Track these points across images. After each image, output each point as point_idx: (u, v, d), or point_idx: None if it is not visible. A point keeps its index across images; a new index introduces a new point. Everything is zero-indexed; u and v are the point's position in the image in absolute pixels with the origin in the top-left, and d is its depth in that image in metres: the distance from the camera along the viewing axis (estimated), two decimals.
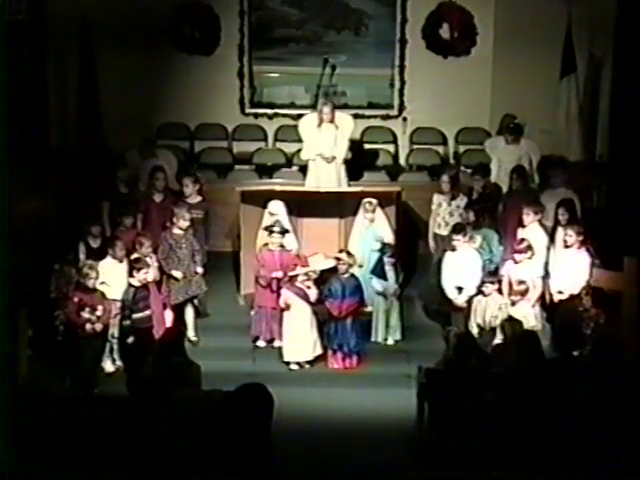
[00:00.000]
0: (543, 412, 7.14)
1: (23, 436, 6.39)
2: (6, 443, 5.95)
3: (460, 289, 9.88)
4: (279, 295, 9.98)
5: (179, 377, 7.50)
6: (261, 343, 10.20)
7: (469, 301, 9.78)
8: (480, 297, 9.64)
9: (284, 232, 10.23)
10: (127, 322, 9.51)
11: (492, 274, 9.76)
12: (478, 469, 6.74)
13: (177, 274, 10.03)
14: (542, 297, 9.90)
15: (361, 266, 10.27)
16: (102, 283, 9.42)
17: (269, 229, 10.20)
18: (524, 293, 9.53)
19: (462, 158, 13.29)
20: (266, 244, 10.26)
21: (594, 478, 6.67)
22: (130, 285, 9.55)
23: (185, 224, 10.13)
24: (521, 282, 9.55)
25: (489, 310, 9.50)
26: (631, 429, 6.95)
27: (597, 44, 12.30)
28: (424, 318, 10.67)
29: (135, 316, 9.51)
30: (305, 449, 8.11)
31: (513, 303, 9.50)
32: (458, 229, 10.06)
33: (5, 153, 5.87)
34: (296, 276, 9.84)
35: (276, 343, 10.11)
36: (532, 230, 10.15)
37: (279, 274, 10.06)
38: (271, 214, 10.45)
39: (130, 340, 9.41)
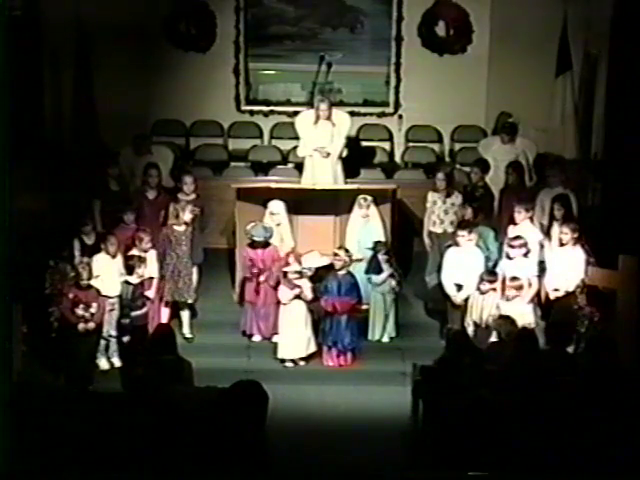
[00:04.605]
0: (538, 410, 7.15)
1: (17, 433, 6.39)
2: (4, 441, 5.95)
3: (459, 287, 9.86)
4: (258, 292, 10.04)
5: (170, 374, 7.51)
6: (256, 338, 10.21)
7: (466, 298, 9.75)
8: (477, 295, 9.62)
9: (261, 242, 10.11)
10: (126, 320, 9.52)
11: (491, 273, 9.72)
12: (472, 467, 6.73)
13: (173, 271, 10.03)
14: (537, 295, 9.91)
15: (356, 261, 10.24)
16: (97, 276, 9.43)
17: (249, 234, 10.13)
18: (518, 289, 9.49)
19: (457, 156, 13.27)
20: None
21: (589, 476, 6.68)
22: (127, 283, 9.55)
23: (181, 227, 10.09)
24: (514, 278, 9.53)
25: (486, 309, 9.46)
26: (626, 427, 6.96)
27: (593, 42, 12.29)
28: (419, 316, 10.66)
29: (134, 314, 9.54)
30: (300, 446, 8.12)
31: (507, 299, 9.43)
32: (463, 225, 10.03)
33: (5, 150, 5.86)
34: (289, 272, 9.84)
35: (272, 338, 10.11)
36: (523, 228, 10.15)
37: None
38: (272, 214, 10.41)
39: (128, 339, 9.41)
